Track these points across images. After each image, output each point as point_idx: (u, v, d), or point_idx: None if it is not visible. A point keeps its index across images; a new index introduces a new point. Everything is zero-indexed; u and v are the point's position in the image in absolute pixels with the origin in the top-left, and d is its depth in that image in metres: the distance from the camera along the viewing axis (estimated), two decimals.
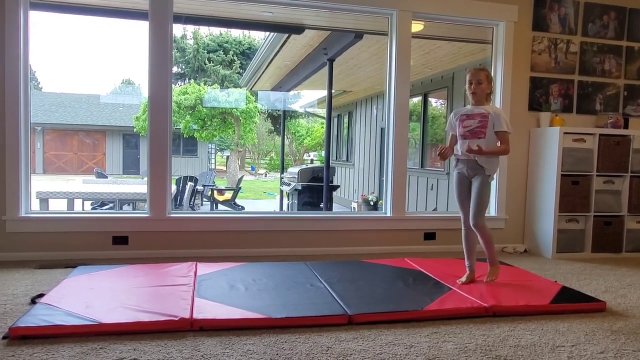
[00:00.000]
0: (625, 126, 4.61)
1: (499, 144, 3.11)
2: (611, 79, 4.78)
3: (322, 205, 7.81)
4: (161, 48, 3.88)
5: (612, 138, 4.38)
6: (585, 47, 4.69)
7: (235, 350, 2.10)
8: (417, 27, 4.74)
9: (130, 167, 18.80)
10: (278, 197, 11.40)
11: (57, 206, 6.31)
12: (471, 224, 3.16)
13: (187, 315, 2.36)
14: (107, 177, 10.74)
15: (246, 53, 20.42)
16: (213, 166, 20.45)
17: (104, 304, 2.50)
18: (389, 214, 4.41)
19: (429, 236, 4.46)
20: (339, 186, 12.26)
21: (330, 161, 8.64)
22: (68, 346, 2.08)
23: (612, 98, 4.80)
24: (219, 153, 22.27)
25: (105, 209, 7.11)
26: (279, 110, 18.15)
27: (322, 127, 18.25)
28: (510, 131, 3.11)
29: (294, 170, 9.08)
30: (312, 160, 21.10)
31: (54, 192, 6.03)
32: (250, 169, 22.54)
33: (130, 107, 19.27)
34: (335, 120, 13.51)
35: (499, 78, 4.54)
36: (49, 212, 4.48)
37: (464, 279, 3.18)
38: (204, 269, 3.29)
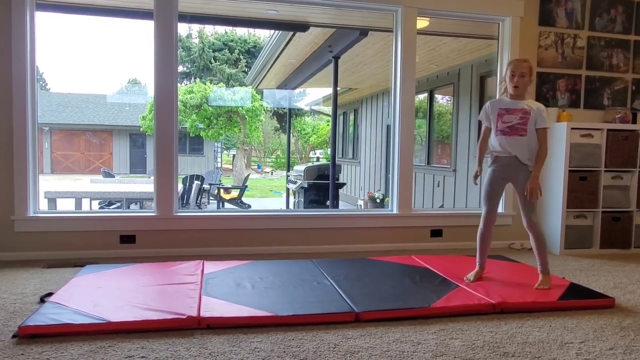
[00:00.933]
0: (634, 121, 4.57)
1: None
2: (619, 73, 4.74)
3: (328, 202, 7.81)
4: (166, 47, 3.89)
5: (620, 133, 4.34)
6: (592, 42, 4.66)
7: (242, 348, 2.10)
8: (422, 23, 4.72)
9: (137, 167, 18.88)
10: (284, 195, 11.41)
11: (65, 206, 6.35)
12: (525, 224, 3.04)
13: (194, 313, 2.36)
14: (114, 177, 10.80)
15: (251, 51, 20.42)
16: (219, 165, 20.50)
17: (112, 303, 2.51)
18: (395, 211, 4.40)
19: (436, 233, 4.45)
20: (345, 184, 12.26)
21: (336, 159, 8.64)
22: (77, 344, 2.09)
23: (620, 93, 4.76)
24: (225, 152, 22.32)
25: (113, 208, 7.15)
26: (284, 108, 18.14)
27: (328, 125, 18.23)
28: (547, 125, 2.98)
29: (300, 168, 9.09)
30: (318, 158, 21.10)
31: (61, 191, 6.07)
32: (256, 167, 22.58)
33: (136, 107, 19.35)
34: (341, 117, 13.50)
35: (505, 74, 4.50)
36: (57, 212, 4.51)
37: (472, 276, 3.12)
38: (211, 267, 3.30)
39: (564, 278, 3.28)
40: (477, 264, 3.19)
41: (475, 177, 3.19)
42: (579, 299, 2.79)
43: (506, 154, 3.02)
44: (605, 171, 4.33)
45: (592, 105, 4.70)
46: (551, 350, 2.15)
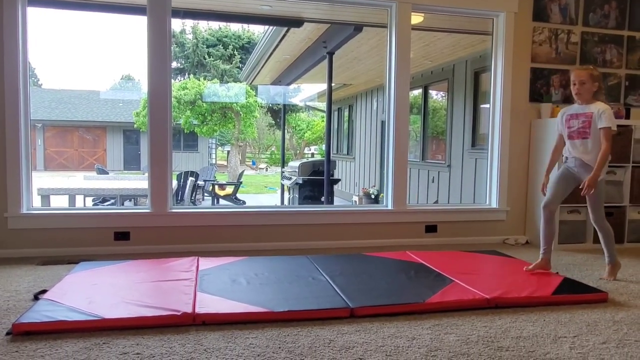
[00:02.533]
0: (627, 116, 4.59)
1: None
2: (612, 69, 4.76)
3: (323, 198, 7.81)
4: (160, 43, 3.87)
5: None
6: (586, 37, 4.67)
7: (237, 344, 2.10)
8: (416, 19, 4.72)
9: (131, 163, 18.81)
10: (279, 191, 11.41)
11: (59, 203, 6.32)
12: (593, 222, 3.25)
13: (189, 309, 2.36)
14: (108, 173, 10.75)
15: (245, 47, 20.36)
16: (214, 161, 20.46)
17: (106, 300, 2.50)
18: (390, 207, 4.41)
19: (431, 229, 4.46)
20: (339, 180, 12.27)
21: (331, 155, 8.63)
22: (71, 341, 2.09)
23: (614, 88, 4.78)
24: (219, 148, 22.27)
25: (107, 205, 7.12)
26: (279, 104, 18.12)
27: (323, 121, 18.23)
28: (614, 127, 3.03)
29: (294, 164, 9.08)
30: (312, 154, 21.09)
31: (55, 188, 6.04)
32: (251, 163, 22.55)
33: (130, 103, 19.25)
34: (336, 113, 13.49)
35: (499, 69, 4.52)
36: (51, 209, 4.49)
37: (531, 266, 3.26)
38: (206, 263, 3.29)
39: (557, 273, 3.30)
40: (540, 254, 3.29)
41: (543, 187, 3.37)
42: (573, 294, 2.81)
43: (572, 157, 3.20)
44: None
45: None
46: (545, 344, 2.17)
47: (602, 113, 3.03)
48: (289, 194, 9.10)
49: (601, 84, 3.15)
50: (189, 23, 20.71)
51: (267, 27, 7.05)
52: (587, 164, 3.13)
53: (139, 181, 7.56)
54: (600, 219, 3.22)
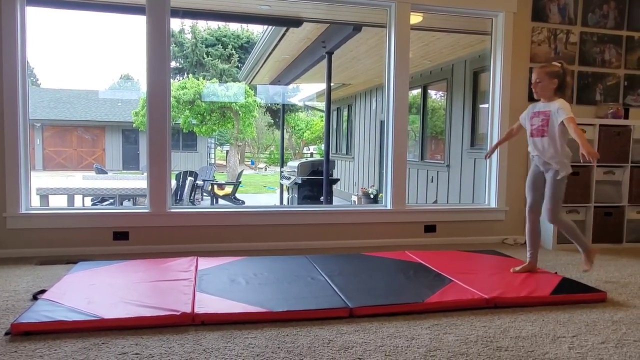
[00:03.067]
0: (626, 116, 4.60)
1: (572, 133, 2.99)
2: (611, 69, 4.76)
3: (322, 198, 7.81)
4: (159, 43, 3.87)
5: (613, 128, 4.37)
6: (585, 37, 4.67)
7: (236, 344, 2.10)
8: (415, 18, 4.71)
9: (129, 163, 18.81)
10: (278, 191, 11.40)
11: (58, 202, 6.31)
12: (547, 220, 3.21)
13: (188, 309, 2.36)
14: (106, 173, 10.74)
15: (244, 47, 20.35)
16: (213, 161, 20.45)
17: (105, 300, 2.50)
18: (389, 207, 4.41)
19: (430, 229, 4.46)
20: (338, 179, 12.26)
21: (330, 154, 8.64)
22: (70, 342, 2.08)
23: (612, 88, 4.78)
24: (218, 147, 22.27)
25: (106, 205, 7.12)
26: (278, 104, 18.11)
27: (322, 121, 18.22)
28: (571, 115, 2.97)
29: (293, 164, 9.08)
30: (311, 154, 21.08)
31: (54, 188, 6.03)
32: (250, 163, 22.55)
33: (129, 103, 19.24)
34: (335, 113, 13.49)
35: (498, 69, 4.52)
36: (50, 209, 4.48)
37: (518, 267, 3.25)
38: (205, 263, 3.29)
39: (556, 273, 3.30)
40: (528, 256, 3.29)
41: (486, 155, 3.63)
42: (572, 294, 2.81)
43: (535, 154, 3.21)
44: (597, 166, 4.36)
45: (584, 100, 4.72)
46: (544, 344, 2.17)
47: (558, 109, 3.02)
48: (288, 193, 9.09)
49: (566, 79, 3.09)
50: (188, 23, 20.72)
51: (266, 26, 7.05)
52: (547, 162, 3.13)
53: (137, 181, 7.56)
54: (556, 218, 3.17)
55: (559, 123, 3.02)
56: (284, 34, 6.66)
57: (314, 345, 2.10)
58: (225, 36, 20.73)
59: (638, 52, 4.81)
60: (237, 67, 19.34)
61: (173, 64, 19.95)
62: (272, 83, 10.91)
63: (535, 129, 3.17)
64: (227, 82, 17.92)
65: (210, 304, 2.47)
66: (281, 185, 10.15)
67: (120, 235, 3.88)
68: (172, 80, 4.63)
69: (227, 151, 18.70)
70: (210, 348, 2.06)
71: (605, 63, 4.75)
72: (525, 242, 4.54)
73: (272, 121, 22.09)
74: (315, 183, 8.09)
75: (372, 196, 8.89)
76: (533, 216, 3.27)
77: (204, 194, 9.95)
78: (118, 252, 3.80)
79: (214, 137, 19.35)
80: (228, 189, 9.89)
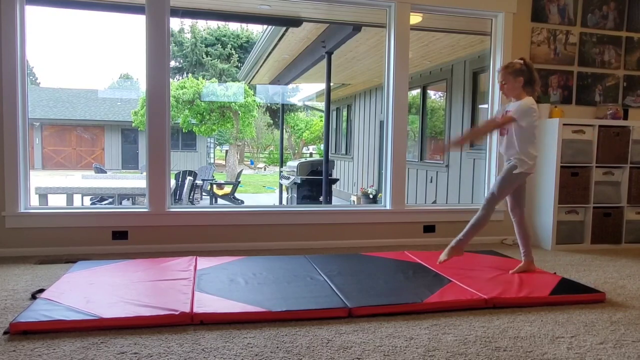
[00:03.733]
0: (625, 117, 4.60)
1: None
2: (610, 69, 4.77)
3: (321, 198, 7.81)
4: (158, 42, 3.86)
5: (612, 129, 4.37)
6: (584, 38, 4.68)
7: (235, 344, 2.10)
8: (415, 19, 4.72)
9: (129, 162, 18.80)
10: (277, 190, 11.40)
11: (57, 202, 6.31)
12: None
13: (187, 309, 2.36)
14: (106, 172, 10.74)
15: (244, 46, 20.35)
16: (212, 160, 20.45)
17: (104, 299, 2.50)
18: (388, 207, 4.41)
19: (429, 229, 4.46)
20: (338, 179, 12.26)
21: (330, 154, 8.64)
22: (69, 341, 2.08)
23: (612, 89, 4.79)
24: (217, 147, 22.26)
25: (105, 204, 7.11)
26: (277, 104, 18.11)
27: (321, 121, 18.22)
28: (520, 122, 3.02)
29: (293, 163, 9.08)
30: (311, 154, 21.10)
31: (53, 187, 6.03)
32: (249, 163, 22.55)
33: (128, 102, 19.24)
34: (334, 113, 13.49)
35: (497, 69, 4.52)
36: (49, 208, 4.48)
37: (515, 269, 3.24)
38: (204, 263, 3.29)
39: (555, 273, 3.30)
40: (522, 257, 3.31)
41: (446, 147, 3.47)
42: (570, 294, 2.81)
43: (502, 152, 3.26)
44: (596, 167, 4.36)
45: (584, 101, 4.72)
46: (542, 344, 2.17)
47: (518, 106, 3.04)
48: (288, 193, 9.09)
49: (532, 75, 3.08)
50: (188, 22, 20.72)
51: (265, 26, 7.05)
52: (509, 159, 3.17)
53: (137, 180, 7.56)
54: (488, 204, 3.20)
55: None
56: (283, 34, 6.67)
57: (313, 345, 2.10)
58: (224, 36, 20.73)
59: (637, 53, 4.82)
60: (237, 66, 19.35)
61: (172, 63, 19.94)
62: (272, 83, 10.91)
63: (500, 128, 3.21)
64: (226, 81, 17.92)
65: (209, 303, 2.47)
66: (280, 185, 10.15)
67: (119, 235, 3.88)
68: (171, 80, 4.63)
69: (227, 151, 18.71)
70: (209, 348, 2.06)
71: (605, 64, 4.75)
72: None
73: (272, 121, 22.09)
74: (315, 183, 8.09)
75: (371, 196, 8.89)
76: (516, 217, 3.28)
77: (203, 193, 9.95)
78: (117, 252, 3.80)
79: (214, 136, 19.35)
80: (227, 189, 9.89)
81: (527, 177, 3.20)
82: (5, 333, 2.15)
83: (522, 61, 3.12)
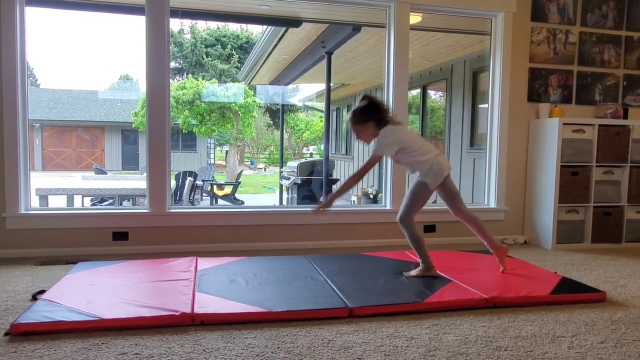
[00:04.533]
0: (625, 116, 4.60)
1: None
2: (610, 69, 4.77)
3: (321, 198, 7.81)
4: (158, 43, 3.87)
5: (612, 128, 4.37)
6: (584, 37, 4.68)
7: (236, 344, 2.10)
8: (415, 19, 4.72)
9: (129, 163, 18.81)
10: (277, 191, 11.40)
11: (57, 203, 6.31)
12: (397, 218, 3.19)
13: (188, 309, 2.36)
14: (106, 173, 10.75)
15: (244, 47, 20.37)
16: (212, 161, 20.45)
17: (105, 300, 2.50)
18: (388, 207, 4.41)
19: (429, 229, 4.46)
20: (338, 179, 12.24)
21: (330, 154, 8.63)
22: (70, 342, 2.08)
23: (612, 88, 4.79)
24: (218, 148, 22.27)
25: (105, 205, 7.12)
26: (277, 104, 18.11)
27: (321, 121, 18.23)
28: (376, 152, 3.01)
29: (293, 164, 9.08)
30: (311, 154, 21.09)
31: (53, 188, 6.03)
32: (249, 163, 22.55)
33: (128, 103, 19.25)
34: (334, 113, 13.49)
35: (497, 69, 4.52)
36: (49, 209, 4.48)
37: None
38: (205, 263, 3.29)
39: (556, 273, 3.30)
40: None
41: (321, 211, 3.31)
42: (571, 293, 2.82)
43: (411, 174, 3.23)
44: (596, 166, 4.36)
45: (583, 100, 4.72)
46: (543, 344, 2.17)
47: (375, 142, 3.01)
48: (288, 194, 9.09)
49: (379, 110, 2.99)
50: (188, 23, 20.74)
51: (265, 27, 7.05)
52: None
53: (137, 181, 7.56)
54: (405, 221, 3.17)
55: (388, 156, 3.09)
56: (283, 34, 6.66)
57: (314, 345, 2.10)
58: (224, 36, 20.75)
59: (637, 52, 4.82)
60: (237, 67, 19.35)
61: (172, 64, 19.95)
62: (272, 83, 10.91)
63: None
64: (226, 82, 17.94)
65: (209, 304, 2.47)
66: (280, 186, 10.14)
67: (120, 236, 3.88)
68: (171, 81, 4.63)
69: (227, 151, 18.71)
70: (210, 348, 2.06)
71: (605, 63, 4.75)
72: (524, 242, 4.58)
73: (272, 121, 22.10)
74: (315, 183, 8.09)
75: (371, 196, 8.89)
76: (461, 217, 3.28)
77: (204, 194, 9.94)
78: (117, 253, 3.80)
79: (214, 137, 19.35)
80: (227, 189, 9.88)
81: (448, 180, 3.13)
82: (6, 334, 2.15)
83: (364, 102, 3.01)
